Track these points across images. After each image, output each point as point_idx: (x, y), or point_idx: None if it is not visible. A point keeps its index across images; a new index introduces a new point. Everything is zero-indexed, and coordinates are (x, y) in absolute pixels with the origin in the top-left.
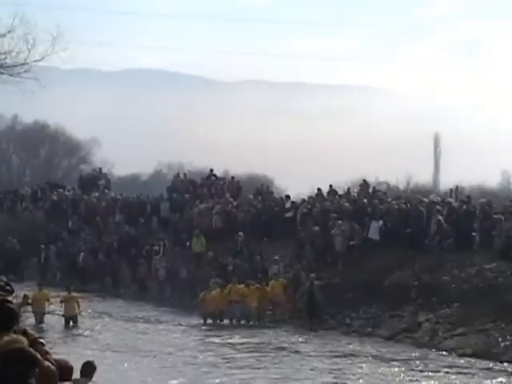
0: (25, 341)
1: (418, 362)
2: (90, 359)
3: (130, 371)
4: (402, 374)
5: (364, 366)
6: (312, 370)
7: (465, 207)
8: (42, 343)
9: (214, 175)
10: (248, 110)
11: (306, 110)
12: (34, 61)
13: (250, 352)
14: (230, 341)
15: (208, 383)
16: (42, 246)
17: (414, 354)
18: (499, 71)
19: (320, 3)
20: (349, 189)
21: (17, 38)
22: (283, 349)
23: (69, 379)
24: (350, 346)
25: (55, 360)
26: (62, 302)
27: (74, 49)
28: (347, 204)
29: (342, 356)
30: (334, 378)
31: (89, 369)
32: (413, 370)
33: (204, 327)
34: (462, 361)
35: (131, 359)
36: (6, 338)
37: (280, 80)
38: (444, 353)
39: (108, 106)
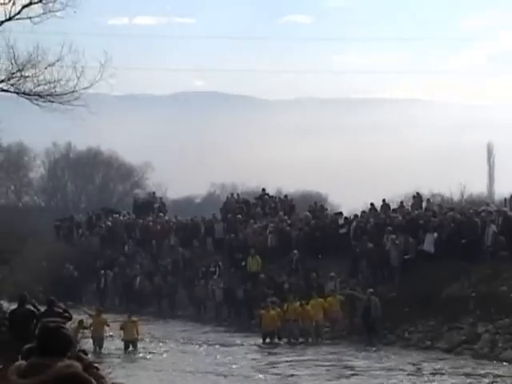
0: (79, 366)
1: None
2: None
3: None
4: None
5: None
6: None
7: None
8: (96, 367)
9: (267, 194)
10: (298, 128)
11: (356, 125)
12: (83, 88)
13: (309, 369)
14: (288, 358)
15: None
16: (102, 271)
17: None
18: None
19: (360, 18)
20: (402, 202)
21: (65, 67)
22: (342, 366)
23: None
24: (413, 361)
25: None
26: (121, 327)
27: (124, 74)
28: (401, 218)
29: (402, 371)
30: None
31: None
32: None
33: (263, 346)
34: None
35: (192, 381)
36: (60, 364)
37: (328, 96)
38: (505, 363)
39: (159, 129)
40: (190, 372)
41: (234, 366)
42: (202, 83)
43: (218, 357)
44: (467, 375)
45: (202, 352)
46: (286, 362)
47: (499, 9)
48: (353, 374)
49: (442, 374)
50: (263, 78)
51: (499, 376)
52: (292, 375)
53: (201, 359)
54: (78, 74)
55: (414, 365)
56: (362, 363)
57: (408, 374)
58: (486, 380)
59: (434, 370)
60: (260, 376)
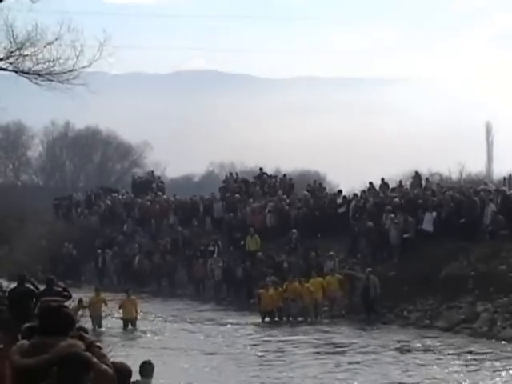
0: (81, 345)
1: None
2: (147, 359)
3: (189, 371)
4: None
5: (419, 358)
6: (361, 364)
7: None
8: (98, 346)
9: (265, 173)
10: (297, 107)
11: (354, 104)
12: (82, 67)
13: (299, 348)
14: (286, 338)
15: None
16: (99, 250)
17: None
18: None
19: None
20: (400, 181)
21: (64, 45)
22: (333, 344)
23: (127, 382)
24: (405, 339)
25: (113, 363)
26: (120, 306)
27: (122, 53)
28: (400, 197)
29: (395, 350)
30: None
31: (148, 368)
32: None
33: (262, 325)
34: None
35: (190, 360)
36: (62, 343)
37: (327, 75)
38: (503, 342)
39: (158, 108)
40: (187, 350)
41: (229, 345)
42: (200, 62)
43: (216, 336)
44: (455, 353)
45: (200, 331)
46: (281, 341)
47: None
48: (341, 352)
49: (430, 351)
50: (262, 57)
51: (484, 353)
52: (282, 352)
53: (199, 338)
54: (77, 53)
55: (404, 342)
56: (354, 341)
57: (395, 351)
58: (470, 357)
59: (423, 347)
60: (253, 354)
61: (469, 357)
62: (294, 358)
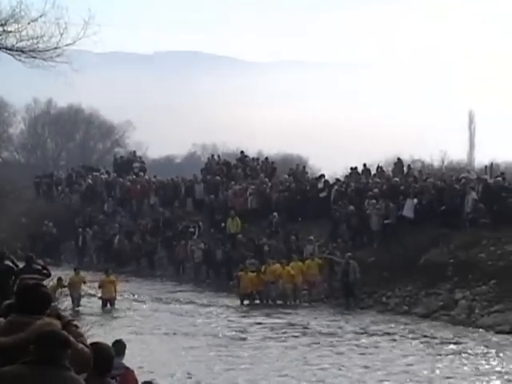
0: (58, 324)
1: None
2: (119, 338)
3: (166, 352)
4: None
5: (388, 343)
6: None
7: (500, 184)
8: (75, 325)
9: (247, 156)
10: (281, 91)
11: (338, 89)
12: (66, 45)
13: (275, 331)
14: (261, 320)
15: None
16: (79, 229)
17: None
18: None
19: None
20: (381, 167)
21: (48, 23)
22: (301, 327)
23: (107, 365)
24: (375, 324)
25: (96, 343)
26: (99, 286)
27: (106, 32)
28: (382, 183)
29: (371, 334)
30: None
31: (119, 347)
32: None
33: (241, 308)
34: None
35: (167, 341)
36: (39, 322)
37: (312, 60)
38: (481, 330)
39: (141, 88)
40: (162, 331)
41: (205, 327)
42: (184, 42)
43: (193, 317)
44: (413, 338)
45: (177, 312)
46: (255, 323)
47: None
48: (304, 334)
49: (390, 334)
50: (246, 40)
51: (443, 339)
52: (252, 334)
53: (175, 319)
54: (62, 31)
55: (372, 326)
56: (324, 324)
57: (357, 334)
58: (423, 340)
59: (380, 331)
60: (224, 336)
61: (422, 340)
62: (259, 339)
